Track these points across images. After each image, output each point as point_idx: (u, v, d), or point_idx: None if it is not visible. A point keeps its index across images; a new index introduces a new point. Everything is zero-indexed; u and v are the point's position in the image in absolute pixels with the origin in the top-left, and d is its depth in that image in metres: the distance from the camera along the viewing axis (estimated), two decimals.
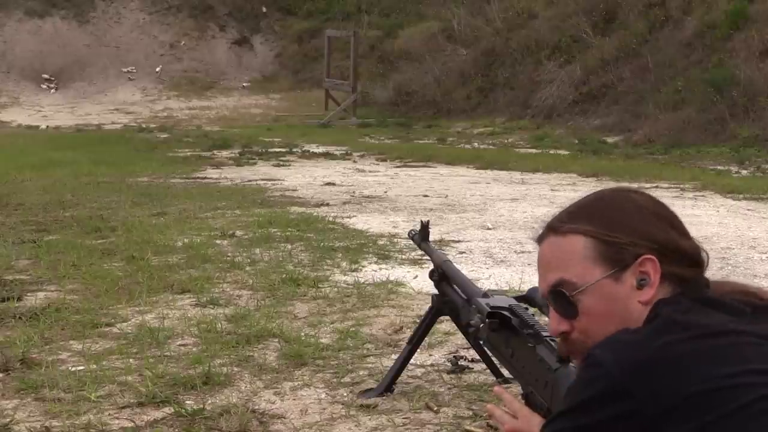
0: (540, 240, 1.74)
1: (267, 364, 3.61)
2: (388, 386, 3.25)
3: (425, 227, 3.28)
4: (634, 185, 11.05)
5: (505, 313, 2.05)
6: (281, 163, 14.36)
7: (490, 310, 2.09)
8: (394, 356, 3.53)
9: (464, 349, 3.73)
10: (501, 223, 7.77)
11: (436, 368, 3.57)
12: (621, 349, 1.48)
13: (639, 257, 1.61)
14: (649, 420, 1.43)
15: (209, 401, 3.17)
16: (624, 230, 1.63)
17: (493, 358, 3.13)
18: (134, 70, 30.29)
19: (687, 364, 1.44)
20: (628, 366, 1.45)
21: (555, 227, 1.70)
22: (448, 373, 3.51)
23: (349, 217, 8.02)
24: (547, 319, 1.89)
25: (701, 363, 1.44)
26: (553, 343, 1.86)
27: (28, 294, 4.82)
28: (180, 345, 3.90)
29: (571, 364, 1.78)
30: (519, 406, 1.85)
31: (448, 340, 3.91)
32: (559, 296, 1.65)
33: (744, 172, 13.43)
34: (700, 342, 1.47)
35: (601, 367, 1.47)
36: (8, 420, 3.01)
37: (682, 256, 1.65)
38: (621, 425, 1.44)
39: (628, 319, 1.59)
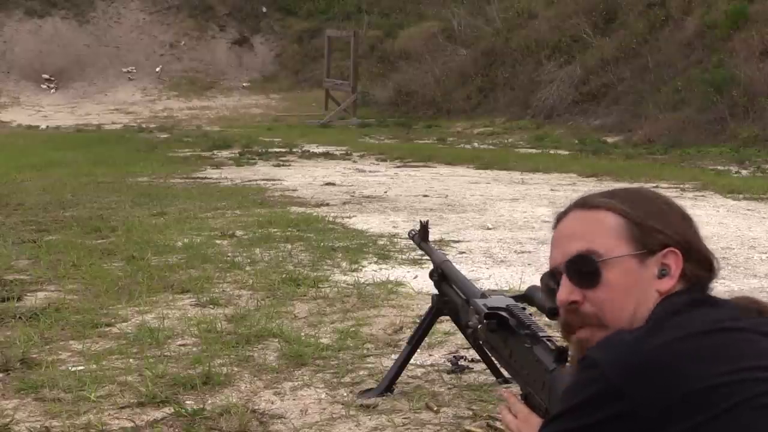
0: (563, 215, 1.73)
1: (267, 364, 3.61)
2: (388, 386, 3.25)
3: (425, 227, 3.28)
4: (634, 185, 11.06)
5: (503, 313, 2.05)
6: (281, 163, 14.37)
7: (487, 310, 2.09)
8: (394, 356, 3.53)
9: (464, 349, 3.73)
10: (501, 223, 7.78)
11: (436, 368, 3.57)
12: (617, 351, 1.48)
13: (665, 247, 1.63)
14: (646, 420, 1.43)
15: (209, 401, 3.17)
16: (655, 218, 1.66)
17: (493, 359, 3.13)
18: (134, 70, 30.30)
19: (683, 364, 1.44)
20: (624, 367, 1.45)
21: (583, 203, 1.71)
22: (448, 373, 3.51)
23: (349, 217, 8.02)
24: (546, 319, 1.88)
25: (697, 362, 1.44)
26: (550, 343, 1.86)
27: (28, 294, 4.82)
28: (180, 345, 3.90)
29: (568, 363, 1.78)
30: (520, 407, 1.86)
31: (448, 340, 3.91)
32: (582, 263, 1.63)
33: (744, 172, 13.43)
34: (695, 340, 1.47)
35: (596, 369, 1.47)
36: (8, 420, 3.01)
37: (700, 258, 1.66)
38: (617, 426, 1.45)
39: (644, 304, 1.60)
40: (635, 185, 10.58)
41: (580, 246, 1.65)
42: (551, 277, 1.72)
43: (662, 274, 1.62)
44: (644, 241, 1.63)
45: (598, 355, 1.50)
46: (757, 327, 1.53)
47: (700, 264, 1.66)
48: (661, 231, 1.64)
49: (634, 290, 1.62)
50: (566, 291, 1.65)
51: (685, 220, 1.69)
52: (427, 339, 3.51)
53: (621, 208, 1.66)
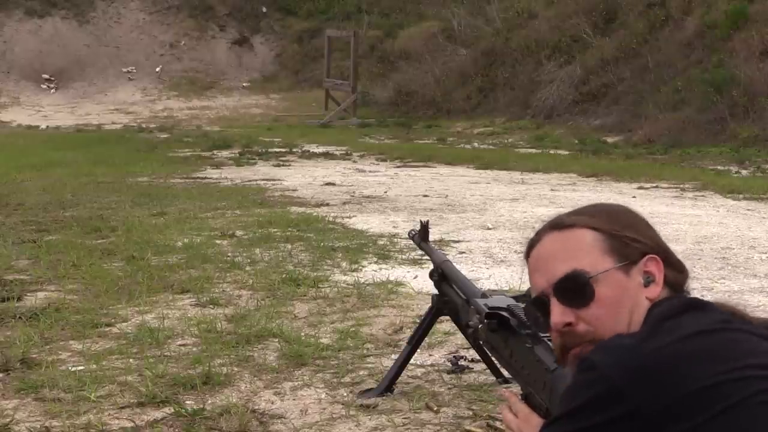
0: (537, 240, 1.73)
1: (267, 364, 3.61)
2: (388, 386, 3.25)
3: (425, 227, 3.28)
4: (634, 185, 11.06)
5: (504, 313, 2.05)
6: (281, 163, 14.37)
7: (488, 310, 2.09)
8: (394, 356, 3.53)
9: (464, 349, 3.73)
10: (501, 223, 7.77)
11: (436, 368, 3.57)
12: (616, 353, 1.49)
13: (644, 255, 1.65)
14: (647, 421, 1.43)
15: (209, 401, 3.17)
16: (628, 229, 1.67)
17: (493, 359, 3.13)
18: (134, 70, 30.30)
19: (681, 366, 1.45)
20: (624, 368, 1.46)
21: (558, 223, 1.72)
22: (448, 373, 3.51)
23: (349, 217, 8.02)
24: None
25: (694, 363, 1.45)
26: (551, 343, 1.86)
27: (28, 294, 4.82)
28: (180, 345, 3.90)
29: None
30: (521, 406, 1.86)
31: (448, 340, 3.91)
32: (573, 284, 1.63)
33: (744, 172, 13.43)
34: (693, 341, 1.48)
35: (596, 370, 1.48)
36: (8, 420, 3.01)
37: (675, 262, 1.70)
38: (617, 428, 1.45)
39: (637, 313, 1.61)
40: (627, 192, 10.58)
41: (566, 267, 1.65)
42: (537, 305, 1.71)
43: (648, 281, 1.64)
44: (625, 252, 1.65)
45: (597, 357, 1.50)
46: (747, 328, 1.54)
47: (676, 268, 1.69)
48: (637, 240, 1.66)
49: (625, 302, 1.63)
50: (559, 314, 1.65)
51: (651, 228, 1.72)
52: (427, 339, 3.51)
53: (595, 223, 1.68)
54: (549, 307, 1.67)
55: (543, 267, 1.70)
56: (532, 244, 1.75)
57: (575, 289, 1.63)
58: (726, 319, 1.55)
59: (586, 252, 1.65)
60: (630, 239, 1.66)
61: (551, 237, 1.71)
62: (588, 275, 1.63)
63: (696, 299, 1.64)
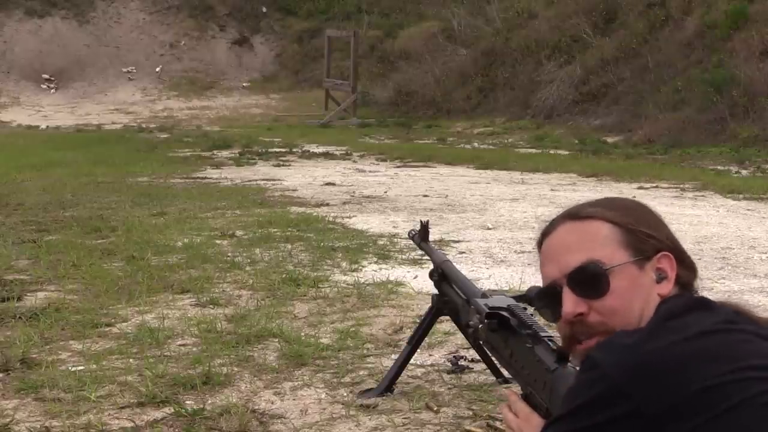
0: (551, 229, 1.73)
1: (267, 364, 3.61)
2: (388, 386, 3.25)
3: (425, 227, 3.28)
4: (634, 185, 11.06)
5: (504, 313, 2.04)
6: (281, 163, 14.37)
7: (488, 310, 2.09)
8: (394, 356, 3.53)
9: (464, 349, 3.73)
10: (501, 223, 7.77)
11: (436, 368, 3.57)
12: (619, 351, 1.49)
13: (658, 252, 1.65)
14: (649, 421, 1.43)
15: (209, 401, 3.17)
16: (644, 224, 1.68)
17: (493, 359, 3.13)
18: (134, 70, 30.30)
19: (684, 365, 1.44)
20: (627, 368, 1.45)
21: (574, 214, 1.71)
22: (448, 373, 3.51)
23: (349, 217, 8.02)
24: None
25: (698, 362, 1.45)
26: (551, 343, 1.85)
27: (28, 294, 4.82)
28: (180, 345, 3.90)
29: (569, 364, 1.77)
30: (521, 406, 1.86)
31: (448, 340, 3.91)
32: (588, 274, 1.63)
33: (744, 172, 13.44)
34: (695, 342, 1.48)
35: (598, 369, 1.48)
36: (8, 420, 3.01)
37: (687, 261, 1.70)
38: (619, 427, 1.45)
39: (648, 308, 1.61)
40: (627, 192, 10.59)
41: (581, 257, 1.65)
42: (547, 294, 1.70)
43: (660, 278, 1.65)
44: (639, 248, 1.65)
45: (599, 356, 1.50)
46: (752, 329, 1.54)
47: (688, 266, 1.69)
48: (652, 236, 1.67)
49: (638, 296, 1.63)
50: (572, 304, 1.65)
51: (666, 225, 1.72)
52: (427, 339, 3.51)
53: (612, 216, 1.68)
54: (560, 297, 1.66)
55: (556, 256, 1.69)
56: (545, 233, 1.74)
57: (590, 279, 1.63)
58: (731, 320, 1.55)
59: (601, 244, 1.65)
60: (645, 235, 1.66)
61: (566, 227, 1.70)
62: (604, 266, 1.63)
63: (704, 298, 1.64)
